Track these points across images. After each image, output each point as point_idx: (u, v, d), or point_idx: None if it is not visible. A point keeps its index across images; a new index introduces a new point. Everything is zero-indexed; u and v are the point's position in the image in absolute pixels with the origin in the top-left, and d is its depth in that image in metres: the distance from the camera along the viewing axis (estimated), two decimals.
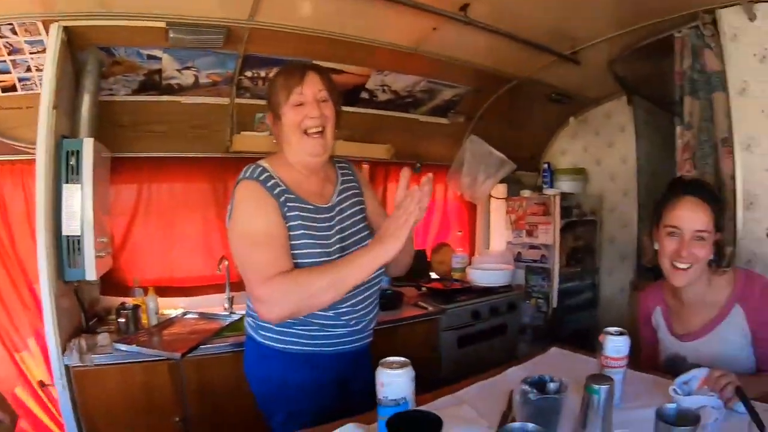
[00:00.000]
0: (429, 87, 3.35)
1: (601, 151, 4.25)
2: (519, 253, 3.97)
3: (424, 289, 3.46)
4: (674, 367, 1.69)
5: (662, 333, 1.81)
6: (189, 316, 2.77)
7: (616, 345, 1.39)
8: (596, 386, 1.13)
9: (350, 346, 1.57)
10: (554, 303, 3.79)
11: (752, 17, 2.35)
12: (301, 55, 2.60)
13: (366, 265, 1.35)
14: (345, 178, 1.70)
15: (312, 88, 1.50)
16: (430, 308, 3.09)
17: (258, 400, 1.62)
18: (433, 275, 3.91)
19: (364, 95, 3.21)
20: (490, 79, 3.48)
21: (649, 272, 1.91)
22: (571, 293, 3.99)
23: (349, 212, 1.62)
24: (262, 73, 2.74)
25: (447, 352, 3.13)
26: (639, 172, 3.87)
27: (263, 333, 1.55)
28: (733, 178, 2.46)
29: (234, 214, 1.46)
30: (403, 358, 1.18)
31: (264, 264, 1.38)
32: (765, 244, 2.38)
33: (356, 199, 1.68)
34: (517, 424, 0.96)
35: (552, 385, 1.18)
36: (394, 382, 1.13)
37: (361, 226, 1.63)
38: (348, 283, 1.36)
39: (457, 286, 3.51)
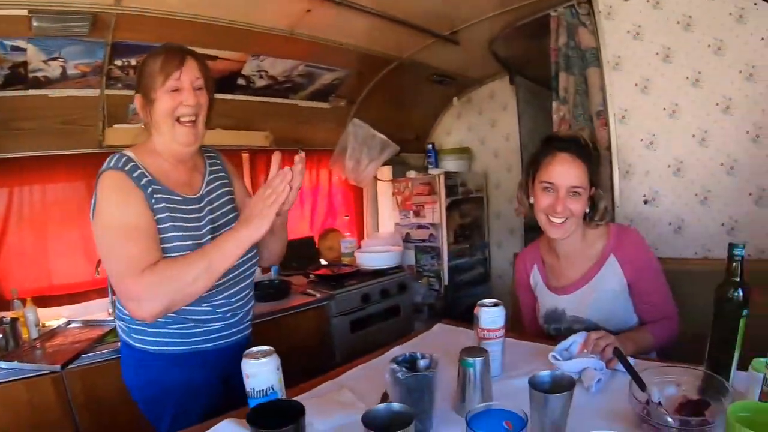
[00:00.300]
0: (308, 71, 3.43)
1: (485, 130, 4.58)
2: (408, 233, 4.23)
3: (312, 276, 3.54)
4: (554, 321, 1.84)
5: (540, 290, 1.91)
6: (73, 325, 2.71)
7: (491, 316, 1.42)
8: (470, 359, 1.20)
9: (229, 340, 1.59)
10: (446, 280, 4.08)
11: None
12: (173, 41, 2.54)
13: (234, 248, 1.36)
14: (213, 167, 1.71)
15: (190, 74, 1.49)
16: (319, 295, 3.17)
17: (141, 408, 1.59)
18: (323, 261, 4.00)
19: (241, 82, 3.24)
20: (371, 62, 3.62)
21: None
22: (463, 269, 4.31)
23: (218, 202, 1.64)
24: (133, 62, 2.70)
25: (340, 338, 3.21)
26: (521, 148, 4.16)
27: (137, 336, 1.52)
28: (608, 149, 2.69)
29: (98, 208, 1.43)
30: (267, 347, 1.21)
31: (132, 259, 1.34)
32: (643, 210, 2.63)
33: (225, 188, 1.70)
34: (382, 405, 0.98)
35: (422, 362, 1.19)
36: (259, 372, 1.16)
37: (231, 216, 1.65)
38: (219, 269, 1.37)
39: (345, 270, 3.60)
